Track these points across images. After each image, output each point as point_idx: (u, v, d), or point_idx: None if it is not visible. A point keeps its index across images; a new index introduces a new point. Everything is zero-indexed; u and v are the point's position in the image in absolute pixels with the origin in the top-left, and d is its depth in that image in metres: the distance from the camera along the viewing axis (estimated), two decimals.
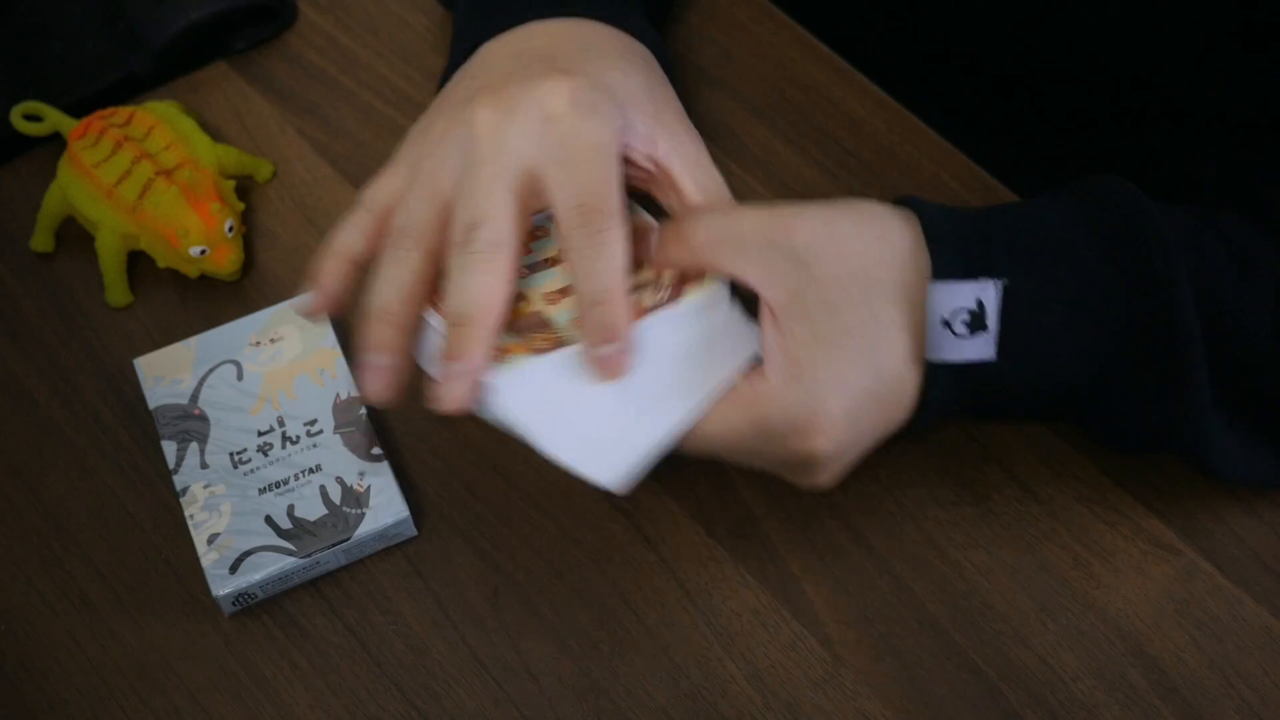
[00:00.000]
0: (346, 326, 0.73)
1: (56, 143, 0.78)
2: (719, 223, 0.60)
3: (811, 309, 0.58)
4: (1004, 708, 0.62)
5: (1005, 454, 0.68)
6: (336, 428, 0.68)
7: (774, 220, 0.60)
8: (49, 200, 0.75)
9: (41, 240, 0.76)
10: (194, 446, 0.67)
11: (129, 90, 0.81)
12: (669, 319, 0.61)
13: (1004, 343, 0.59)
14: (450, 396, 0.59)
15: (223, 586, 0.64)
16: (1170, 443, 0.63)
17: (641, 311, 0.60)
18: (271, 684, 0.64)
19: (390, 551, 0.67)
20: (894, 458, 0.68)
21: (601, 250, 0.59)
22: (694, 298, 0.61)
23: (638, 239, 0.61)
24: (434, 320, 0.60)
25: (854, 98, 0.80)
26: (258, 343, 0.70)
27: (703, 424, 0.59)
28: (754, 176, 0.77)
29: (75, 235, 0.76)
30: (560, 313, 0.61)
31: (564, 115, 0.60)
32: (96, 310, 0.74)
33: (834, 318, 0.58)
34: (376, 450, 0.67)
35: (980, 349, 0.60)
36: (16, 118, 0.78)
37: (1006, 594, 0.65)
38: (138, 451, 0.70)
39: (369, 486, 0.66)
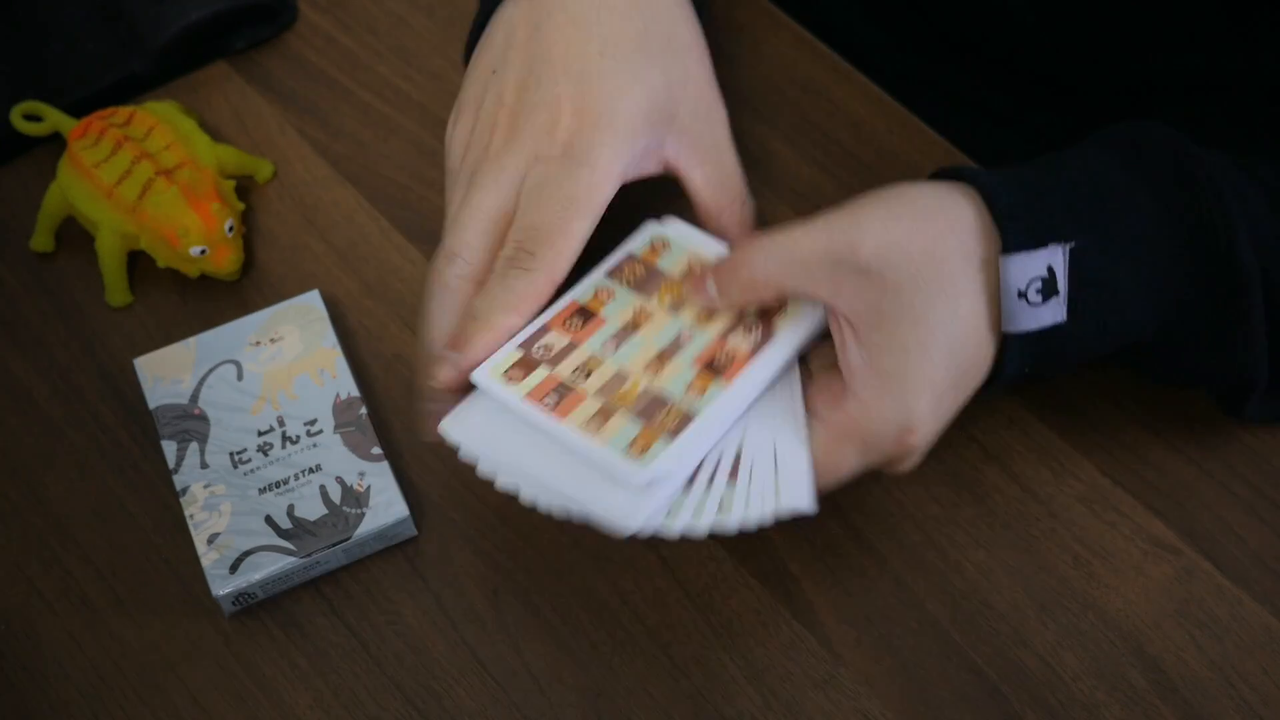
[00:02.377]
0: (346, 326, 0.73)
1: (56, 143, 0.78)
2: (778, 250, 0.60)
3: (889, 318, 0.59)
4: (1004, 708, 0.62)
5: (1005, 454, 0.68)
6: (336, 428, 0.68)
7: (833, 236, 0.60)
8: (49, 200, 0.75)
9: (41, 240, 0.76)
10: (194, 446, 0.67)
11: (129, 90, 0.81)
12: (772, 359, 0.61)
13: (1073, 303, 0.60)
14: (440, 375, 0.62)
15: (223, 586, 0.64)
16: (1222, 378, 0.64)
17: (743, 358, 0.61)
18: (271, 684, 0.64)
19: (390, 551, 0.67)
20: None
21: (505, 288, 0.62)
22: (787, 326, 0.62)
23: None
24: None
25: (854, 98, 0.80)
26: (258, 343, 0.70)
27: (818, 471, 0.60)
28: (754, 176, 0.76)
29: (75, 235, 0.76)
30: (670, 382, 0.61)
31: (552, 157, 0.64)
32: (96, 310, 0.74)
33: (915, 323, 0.59)
34: (376, 450, 0.67)
35: (1053, 313, 0.60)
36: (16, 118, 0.78)
37: (1006, 594, 0.65)
38: (138, 451, 0.70)
39: (369, 486, 0.66)
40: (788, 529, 0.66)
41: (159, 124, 0.75)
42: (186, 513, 0.66)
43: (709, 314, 0.63)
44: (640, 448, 0.58)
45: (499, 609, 0.65)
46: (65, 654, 0.65)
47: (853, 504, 0.67)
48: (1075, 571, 0.65)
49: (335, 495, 0.66)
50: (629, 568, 0.66)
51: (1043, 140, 0.82)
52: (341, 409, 0.68)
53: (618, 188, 0.64)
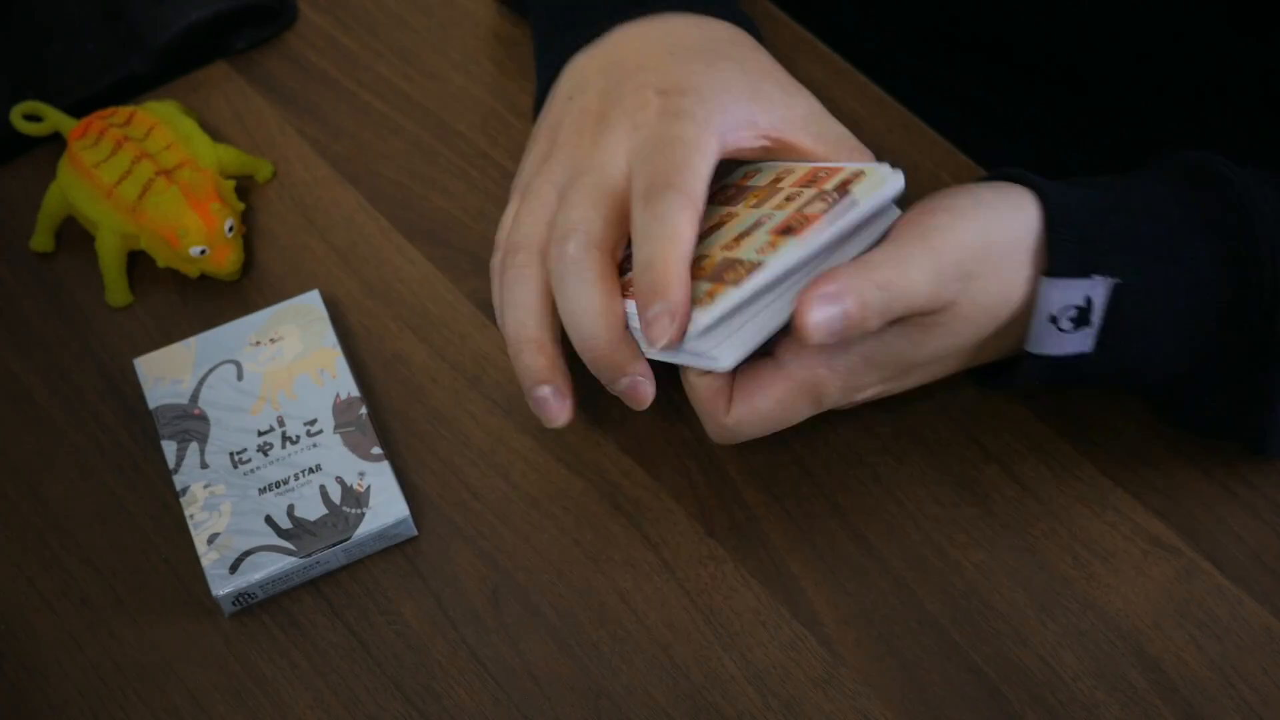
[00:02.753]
0: (346, 326, 0.73)
1: (56, 143, 0.78)
2: (895, 286, 0.59)
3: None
4: (1004, 708, 0.62)
5: (1005, 454, 0.68)
6: (336, 427, 0.68)
7: (939, 258, 0.59)
8: (49, 200, 0.75)
9: (41, 240, 0.76)
10: (194, 446, 0.67)
11: (129, 90, 0.81)
12: (845, 216, 0.60)
13: (1104, 336, 0.60)
14: (660, 332, 0.59)
15: (223, 586, 0.64)
16: (1238, 432, 0.64)
17: (815, 217, 0.60)
18: (271, 684, 0.64)
19: (390, 551, 0.67)
20: (894, 458, 0.68)
21: (655, 219, 0.59)
22: (863, 191, 0.60)
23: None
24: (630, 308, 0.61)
25: (854, 98, 0.80)
26: (258, 343, 0.70)
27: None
28: None
29: (75, 235, 0.76)
30: (744, 251, 0.60)
31: (650, 122, 0.63)
32: (96, 310, 0.74)
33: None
34: (376, 450, 0.67)
35: (1080, 343, 0.60)
36: (16, 118, 0.78)
37: (1006, 594, 0.65)
38: (138, 451, 0.70)
39: (369, 486, 0.66)
40: (788, 529, 0.66)
41: (159, 124, 0.75)
42: (186, 513, 0.66)
43: (790, 199, 0.62)
44: (708, 297, 0.59)
45: (499, 609, 0.65)
46: (65, 654, 0.65)
47: (853, 504, 0.67)
48: (1075, 571, 0.65)
49: (335, 495, 0.66)
50: (629, 568, 0.66)
51: (1044, 141, 0.83)
52: (341, 409, 0.68)
53: (721, 147, 0.63)
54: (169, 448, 0.67)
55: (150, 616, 0.65)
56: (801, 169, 0.64)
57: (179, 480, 0.67)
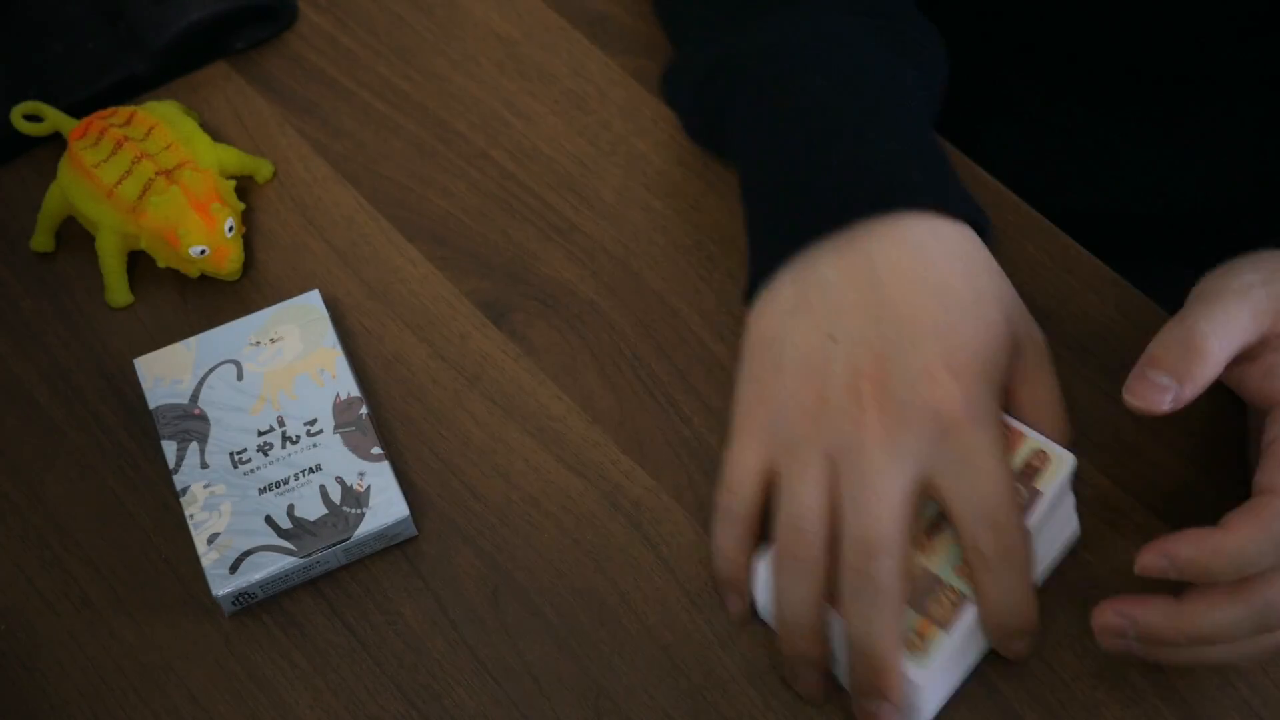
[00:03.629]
0: (346, 326, 0.73)
1: (57, 143, 0.78)
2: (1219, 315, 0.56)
3: None
4: (1004, 707, 0.62)
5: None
6: (336, 428, 0.68)
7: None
8: (49, 200, 0.75)
9: (42, 240, 0.76)
10: (194, 446, 0.67)
11: (129, 90, 0.81)
12: (1041, 510, 0.60)
13: None
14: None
15: (223, 586, 0.64)
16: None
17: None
18: (271, 684, 0.64)
19: (390, 551, 0.67)
20: None
21: (1010, 566, 0.59)
22: (1050, 485, 0.60)
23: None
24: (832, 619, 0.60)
25: None
26: (258, 343, 0.70)
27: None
28: None
29: (75, 235, 0.76)
30: (939, 564, 0.59)
31: (961, 426, 0.59)
32: (96, 310, 0.74)
33: None
34: (376, 450, 0.67)
35: None
36: (17, 118, 0.78)
37: None
38: (138, 451, 0.70)
39: (369, 486, 0.66)
40: None
41: (159, 124, 0.75)
42: (186, 513, 0.66)
43: None
44: (918, 638, 0.58)
45: (499, 609, 0.65)
46: (65, 654, 0.65)
47: None
48: (1075, 571, 0.65)
49: (335, 495, 0.66)
50: (629, 568, 0.66)
51: (1055, 136, 0.83)
52: (341, 409, 0.68)
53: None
54: (169, 448, 0.67)
55: (150, 616, 0.65)
56: None
57: (179, 480, 0.67)
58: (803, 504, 0.60)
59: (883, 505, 0.58)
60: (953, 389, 0.59)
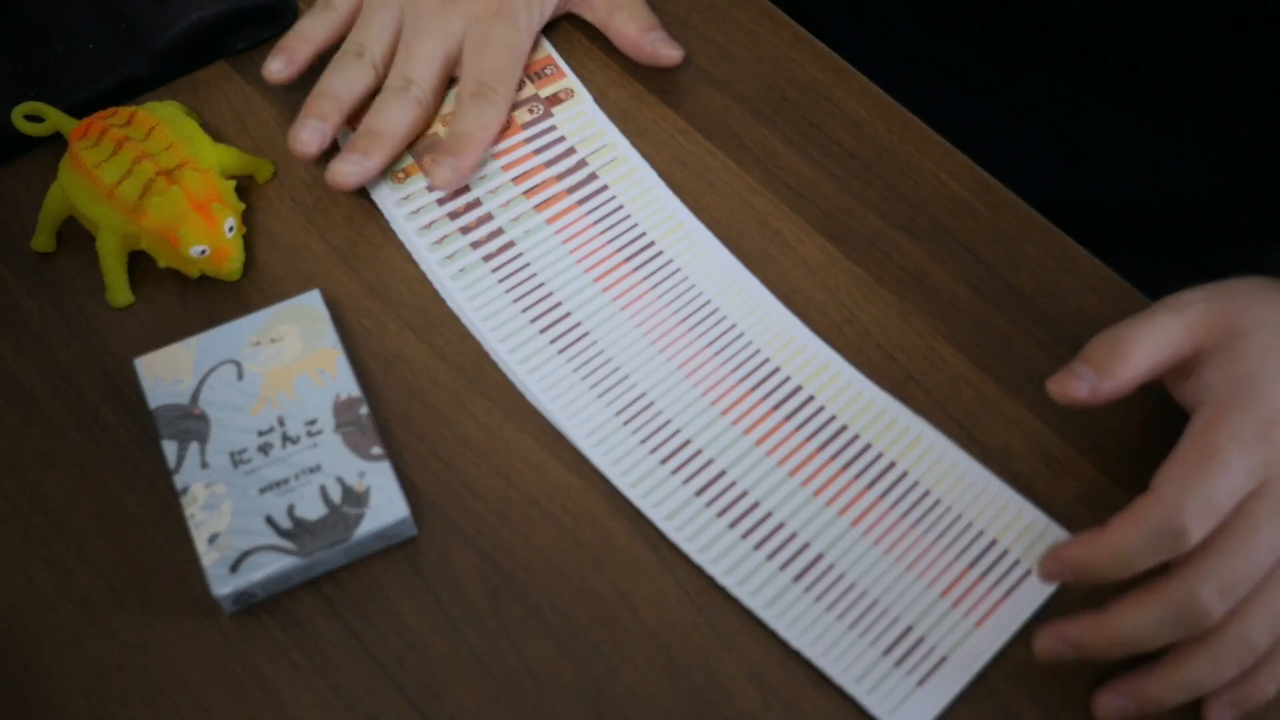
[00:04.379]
0: (346, 326, 0.73)
1: (57, 143, 0.78)
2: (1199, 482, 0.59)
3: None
4: (1004, 707, 0.62)
5: (1005, 454, 0.68)
6: (336, 427, 0.68)
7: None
8: (50, 200, 0.75)
9: (42, 240, 0.76)
10: (194, 446, 0.67)
11: (130, 91, 0.81)
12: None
13: None
14: (342, 172, 0.74)
15: (223, 586, 0.64)
16: None
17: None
18: (272, 683, 0.64)
19: (390, 551, 0.67)
20: None
21: (480, 110, 0.75)
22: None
23: None
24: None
25: (854, 98, 0.80)
26: (258, 343, 0.70)
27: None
28: (754, 176, 0.77)
29: (76, 235, 0.76)
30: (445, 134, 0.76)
31: (486, 18, 0.77)
32: (96, 310, 0.74)
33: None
34: (376, 450, 0.67)
35: None
36: (17, 118, 0.78)
37: None
38: (138, 451, 0.70)
39: (369, 486, 0.66)
40: None
41: (160, 124, 0.75)
42: (187, 512, 0.66)
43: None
44: (400, 178, 0.77)
45: (499, 609, 0.65)
46: (65, 654, 0.65)
47: None
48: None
49: (335, 495, 0.66)
50: (629, 568, 0.66)
51: (1049, 126, 0.83)
52: (341, 409, 0.68)
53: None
54: (169, 448, 0.67)
55: (150, 616, 0.65)
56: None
57: (179, 480, 0.67)
58: (370, 33, 0.77)
59: (424, 55, 0.76)
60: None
